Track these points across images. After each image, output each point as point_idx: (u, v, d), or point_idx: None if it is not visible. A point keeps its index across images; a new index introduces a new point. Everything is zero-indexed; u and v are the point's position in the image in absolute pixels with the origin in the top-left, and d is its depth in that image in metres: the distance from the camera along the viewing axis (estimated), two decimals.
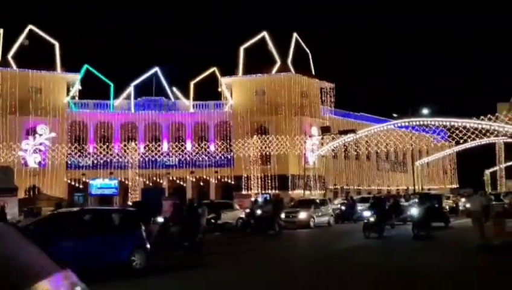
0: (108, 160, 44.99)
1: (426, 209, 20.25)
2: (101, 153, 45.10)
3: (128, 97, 47.79)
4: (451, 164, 62.17)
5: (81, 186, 44.34)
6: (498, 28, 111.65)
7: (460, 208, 33.67)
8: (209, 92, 49.69)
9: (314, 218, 26.27)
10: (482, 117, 32.21)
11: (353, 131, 40.40)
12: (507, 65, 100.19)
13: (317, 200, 29.36)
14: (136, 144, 45.71)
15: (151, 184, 45.34)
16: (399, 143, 41.12)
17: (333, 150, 43.90)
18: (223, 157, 46.88)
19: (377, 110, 55.69)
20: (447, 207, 33.47)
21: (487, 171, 58.83)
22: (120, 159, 45.27)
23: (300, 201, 30.94)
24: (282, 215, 25.23)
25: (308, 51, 50.84)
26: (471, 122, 32.57)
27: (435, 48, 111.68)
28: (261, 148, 45.05)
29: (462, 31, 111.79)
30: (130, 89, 47.71)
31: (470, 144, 40.05)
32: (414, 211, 20.58)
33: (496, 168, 51.92)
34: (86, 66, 46.94)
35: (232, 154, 46.50)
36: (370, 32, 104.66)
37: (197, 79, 48.96)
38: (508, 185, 52.05)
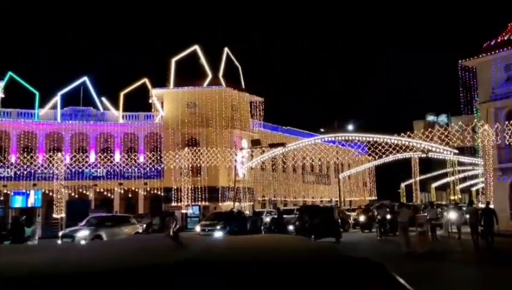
0: (32, 171, 43.24)
1: (304, 222, 21.03)
2: (24, 163, 43.26)
3: (54, 107, 46.32)
4: (371, 176, 65.79)
5: (1, 198, 42.27)
6: (413, 51, 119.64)
7: (351, 221, 34.76)
8: (139, 103, 49.40)
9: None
10: (402, 134, 34.77)
11: (282, 144, 41.85)
12: (422, 86, 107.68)
13: (235, 213, 29.53)
14: (62, 155, 44.32)
15: (77, 196, 44.13)
16: (325, 156, 43.11)
17: (263, 162, 45.10)
18: (152, 169, 46.59)
19: (305, 125, 57.98)
20: (352, 220, 35.04)
21: (403, 184, 62.87)
22: (45, 170, 43.65)
23: (216, 214, 31.08)
24: (197, 229, 25.31)
25: (239, 65, 52.03)
26: (392, 139, 35.02)
27: (363, 68, 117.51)
28: (192, 160, 45.35)
29: (383, 52, 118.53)
30: (57, 98, 46.30)
31: (388, 159, 42.79)
32: (291, 227, 21.27)
33: (411, 181, 55.55)
34: (9, 74, 45.00)
35: (162, 165, 46.36)
36: (300, 49, 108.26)
37: (127, 90, 48.50)
38: (421, 197, 56.02)
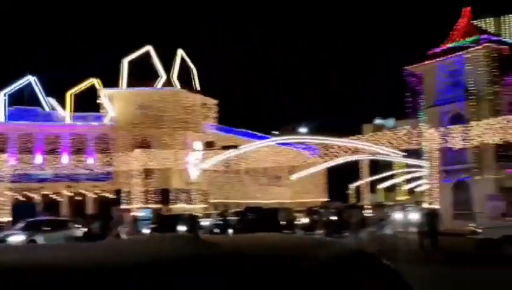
0: None
1: (246, 224, 21.32)
2: None
3: None
4: (322, 178, 66.92)
5: None
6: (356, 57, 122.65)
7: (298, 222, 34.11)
8: (89, 104, 48.26)
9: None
10: (352, 137, 35.73)
11: (236, 146, 41.99)
12: (371, 90, 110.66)
13: (184, 216, 29.52)
14: (6, 156, 42.70)
15: (23, 199, 42.62)
16: (278, 159, 43.58)
17: (217, 165, 45.09)
18: (102, 171, 45.64)
19: (259, 127, 58.32)
20: (301, 221, 35.03)
21: (352, 186, 64.32)
22: None
23: (164, 216, 30.89)
24: (146, 231, 25.09)
25: (193, 67, 51.80)
26: (344, 142, 35.91)
27: (318, 73, 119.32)
28: (144, 162, 44.74)
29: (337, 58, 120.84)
30: (2, 98, 44.58)
31: (339, 161, 43.74)
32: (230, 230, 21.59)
33: (360, 182, 56.95)
34: None
35: (112, 168, 45.49)
36: (254, 53, 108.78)
37: (76, 90, 47.28)
38: (369, 198, 57.46)
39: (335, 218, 28.17)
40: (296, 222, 34.96)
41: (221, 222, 30.30)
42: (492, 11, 44.24)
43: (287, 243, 2.01)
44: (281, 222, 28.59)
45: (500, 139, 27.74)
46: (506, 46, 32.93)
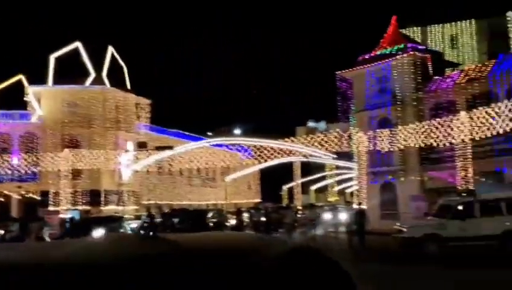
0: None
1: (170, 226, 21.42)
2: None
3: None
4: (256, 179, 67.61)
5: None
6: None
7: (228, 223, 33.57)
8: (14, 101, 45.89)
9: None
10: (286, 139, 36.39)
11: (170, 147, 41.51)
12: (305, 93, 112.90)
13: (112, 218, 28.92)
14: None
15: None
16: (212, 160, 43.55)
17: (149, 165, 44.34)
18: (28, 171, 43.56)
19: (193, 128, 57.92)
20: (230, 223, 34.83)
21: (285, 187, 65.41)
22: None
23: (94, 218, 30.13)
24: None
25: (124, 65, 50.66)
26: (277, 144, 36.49)
27: (252, 72, 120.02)
28: (72, 162, 43.17)
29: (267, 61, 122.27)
30: None
31: (272, 162, 44.41)
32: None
33: (293, 184, 58.02)
34: None
35: (38, 168, 43.54)
36: (187, 52, 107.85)
37: (1, 86, 44.85)
38: (302, 199, 58.70)
39: (264, 219, 28.60)
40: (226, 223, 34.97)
41: (147, 224, 29.67)
42: (418, 21, 46.62)
43: (242, 241, 2.07)
44: (210, 223, 28.62)
45: (423, 142, 29.28)
46: (430, 55, 34.81)
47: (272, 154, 37.47)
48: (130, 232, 25.78)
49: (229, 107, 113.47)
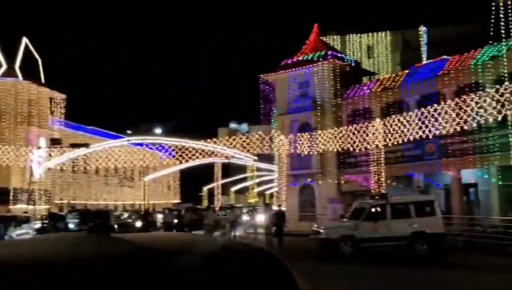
0: None
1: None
2: None
3: None
4: (175, 180, 66.78)
5: None
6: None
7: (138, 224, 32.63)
8: None
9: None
10: (208, 140, 36.32)
11: (86, 145, 39.91)
12: (229, 95, 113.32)
13: (19, 217, 27.51)
14: None
15: None
16: (132, 159, 42.47)
17: (64, 163, 42.38)
18: None
19: (113, 126, 56.15)
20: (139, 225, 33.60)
21: (205, 188, 65.18)
22: None
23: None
24: None
25: (39, 58, 48.11)
26: (200, 144, 36.32)
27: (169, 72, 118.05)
28: None
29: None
30: None
31: (194, 163, 44.11)
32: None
33: (213, 185, 57.99)
34: None
35: None
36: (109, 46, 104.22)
37: None
38: (222, 200, 58.83)
39: (176, 220, 28.43)
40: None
41: (46, 225, 28.18)
42: (338, 29, 48.39)
43: (189, 240, 2.07)
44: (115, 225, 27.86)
45: (341, 147, 30.43)
46: (348, 63, 36.27)
47: (193, 154, 37.23)
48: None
49: (151, 105, 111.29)
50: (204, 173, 59.62)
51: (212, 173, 55.42)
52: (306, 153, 32.50)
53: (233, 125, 62.94)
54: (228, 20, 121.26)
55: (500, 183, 25.34)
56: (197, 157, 38.18)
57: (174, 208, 38.70)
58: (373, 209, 20.17)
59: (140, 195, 55.29)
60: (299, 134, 33.40)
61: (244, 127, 62.26)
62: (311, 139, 32.38)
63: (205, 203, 59.05)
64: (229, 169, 59.50)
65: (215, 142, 36.65)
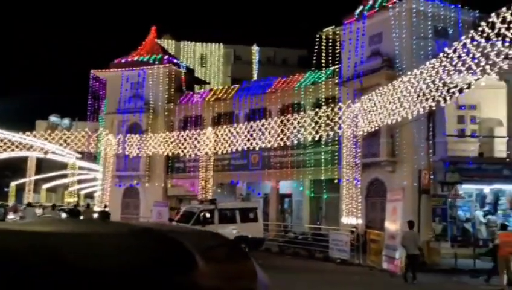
0: None
1: None
2: None
3: None
4: None
5: None
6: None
7: None
8: None
9: None
10: (27, 133, 33.57)
11: None
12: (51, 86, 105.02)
13: None
14: None
15: None
16: None
17: None
18: None
19: None
20: None
21: (13, 183, 59.45)
22: None
23: None
24: None
25: None
26: (17, 136, 33.35)
27: None
28: None
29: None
30: None
31: (3, 156, 40.15)
32: None
33: (24, 180, 53.38)
34: None
35: None
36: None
37: None
38: (33, 198, 54.29)
39: None
40: None
41: None
42: (173, 34, 48.93)
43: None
44: None
45: (172, 152, 30.86)
46: (184, 70, 36.98)
47: (9, 147, 34.06)
48: None
49: None
50: (12, 167, 54.52)
51: (24, 168, 50.97)
52: (135, 154, 32.16)
53: (53, 118, 58.59)
54: (70, 10, 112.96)
55: (312, 195, 28.50)
56: (13, 150, 35.02)
57: None
58: (202, 214, 21.08)
59: None
60: (128, 135, 32.89)
61: (66, 121, 58.44)
62: (141, 141, 32.16)
63: (12, 200, 53.95)
64: (41, 165, 55.42)
65: (35, 136, 34.04)
